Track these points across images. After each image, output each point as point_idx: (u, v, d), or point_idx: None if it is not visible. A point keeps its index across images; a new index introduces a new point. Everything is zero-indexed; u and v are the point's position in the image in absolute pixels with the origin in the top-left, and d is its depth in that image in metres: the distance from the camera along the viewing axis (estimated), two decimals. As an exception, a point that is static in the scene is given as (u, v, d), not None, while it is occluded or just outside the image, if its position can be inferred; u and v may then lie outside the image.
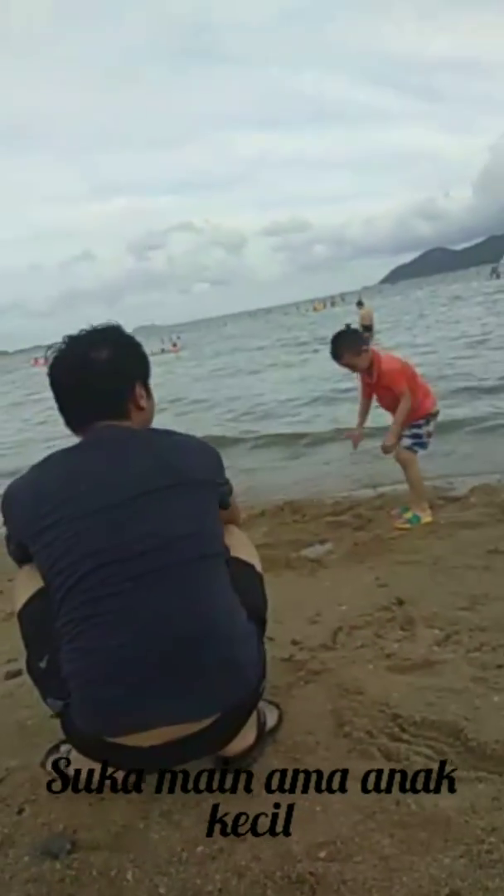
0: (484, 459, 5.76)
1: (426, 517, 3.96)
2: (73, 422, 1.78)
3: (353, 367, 4.00)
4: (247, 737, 1.73)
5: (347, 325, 21.80)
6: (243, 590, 1.75)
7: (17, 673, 2.56)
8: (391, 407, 3.97)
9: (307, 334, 30.83)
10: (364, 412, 4.22)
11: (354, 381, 4.44)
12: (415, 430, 3.96)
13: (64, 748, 1.78)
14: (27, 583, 1.71)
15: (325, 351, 4.10)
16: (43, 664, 1.63)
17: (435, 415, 4.05)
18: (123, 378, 1.78)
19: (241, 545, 1.91)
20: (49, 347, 1.82)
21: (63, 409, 1.78)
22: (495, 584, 2.86)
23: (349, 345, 3.93)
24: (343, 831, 1.47)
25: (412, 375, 3.97)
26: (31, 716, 2.13)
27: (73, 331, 1.81)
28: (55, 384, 1.77)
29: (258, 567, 1.90)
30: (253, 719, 1.77)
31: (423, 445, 3.99)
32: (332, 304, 78.05)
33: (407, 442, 3.94)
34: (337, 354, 3.94)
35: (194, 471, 1.69)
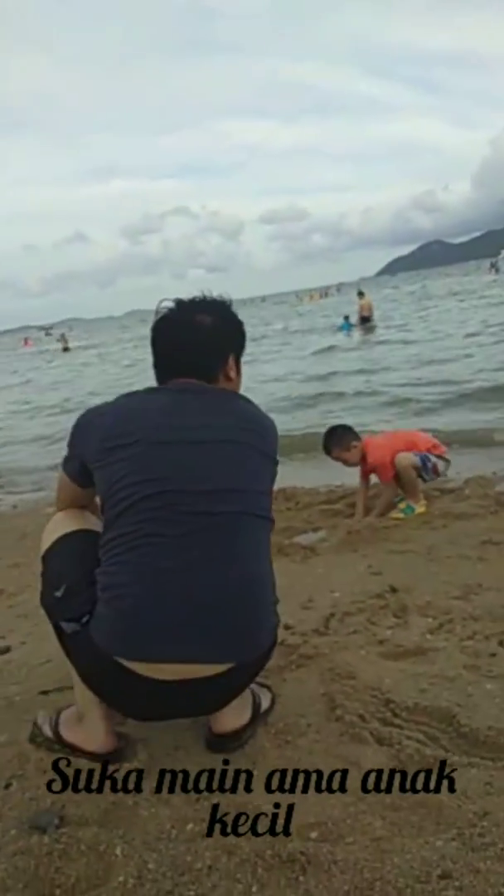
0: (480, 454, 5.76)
1: (420, 507, 3.96)
2: (163, 378, 1.84)
3: (344, 462, 4.18)
4: (242, 715, 1.74)
5: (346, 317, 21.68)
6: None
7: (6, 650, 2.55)
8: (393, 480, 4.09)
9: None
10: (364, 494, 4.26)
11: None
12: (427, 456, 4.08)
13: (43, 720, 1.80)
14: (63, 523, 1.80)
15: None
16: (59, 593, 1.66)
17: (447, 460, 4.20)
18: (221, 345, 1.86)
19: None
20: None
21: (158, 366, 1.86)
22: (488, 575, 2.86)
23: (338, 441, 4.16)
24: (335, 813, 1.46)
25: (407, 446, 4.10)
26: (20, 692, 2.12)
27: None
28: (156, 340, 1.85)
29: None
30: (248, 699, 1.77)
31: (426, 470, 4.05)
32: (326, 294, 77.68)
33: (415, 458, 4.02)
34: (327, 450, 4.20)
35: (265, 441, 1.75)
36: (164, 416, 1.68)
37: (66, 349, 38.95)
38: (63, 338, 43.87)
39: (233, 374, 1.87)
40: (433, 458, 4.08)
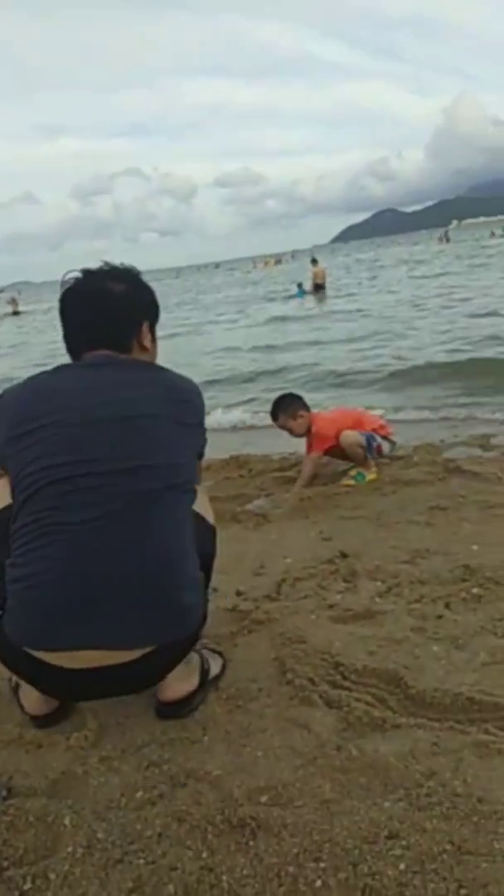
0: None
1: (371, 474, 3.99)
2: (75, 349, 1.81)
3: (289, 430, 4.13)
4: (190, 681, 1.73)
5: (299, 284, 21.66)
6: (196, 538, 1.72)
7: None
8: (339, 455, 4.09)
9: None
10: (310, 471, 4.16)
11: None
12: (372, 435, 4.06)
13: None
14: None
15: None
16: None
17: (392, 442, 4.22)
18: (134, 313, 1.83)
19: (198, 498, 1.86)
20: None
21: (69, 338, 1.82)
22: (435, 539, 2.91)
23: (285, 408, 4.12)
24: (285, 776, 1.47)
25: (354, 423, 4.08)
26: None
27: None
28: (66, 310, 1.81)
29: (210, 520, 1.86)
30: (196, 665, 1.77)
31: (370, 449, 4.02)
32: (280, 261, 77.12)
33: (360, 437, 3.98)
34: (274, 415, 4.16)
35: (186, 409, 1.71)
36: (74, 396, 1.63)
37: (15, 312, 38.08)
38: (13, 301, 42.84)
39: (147, 343, 1.84)
40: (378, 439, 4.08)
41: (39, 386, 1.70)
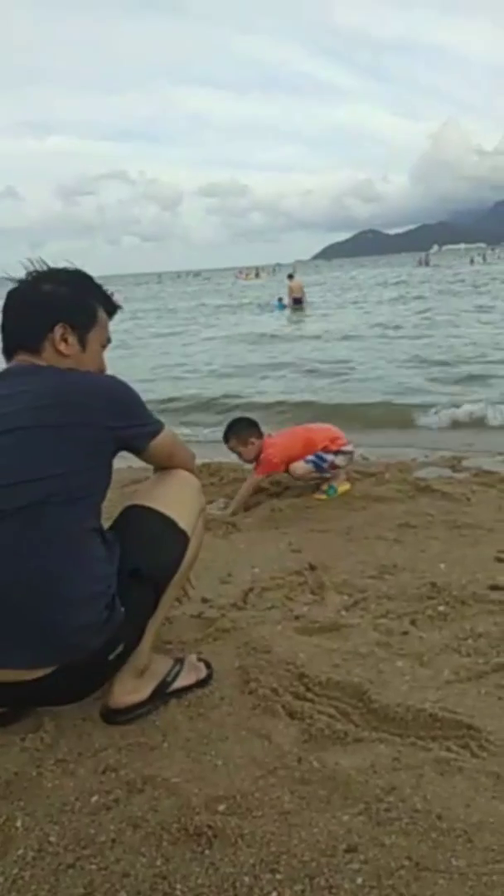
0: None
1: (343, 486, 4.00)
2: (5, 351, 1.75)
3: (238, 455, 4.05)
4: (138, 692, 1.70)
5: (280, 298, 21.93)
6: (141, 545, 1.67)
7: None
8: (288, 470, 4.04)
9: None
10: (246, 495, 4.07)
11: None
12: (321, 456, 3.97)
13: None
14: None
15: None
16: None
17: (347, 453, 4.08)
18: (47, 312, 1.72)
19: (173, 496, 1.79)
20: None
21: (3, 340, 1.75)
22: (403, 556, 2.92)
23: (237, 432, 4.02)
24: (244, 786, 1.45)
25: (305, 446, 3.99)
26: None
27: None
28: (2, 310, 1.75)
29: (183, 524, 1.76)
30: (153, 675, 1.74)
31: (322, 470, 3.99)
32: (257, 275, 77.46)
33: (308, 466, 3.96)
34: (225, 438, 4.07)
35: (62, 412, 1.58)
36: None
37: None
38: None
39: (63, 347, 1.71)
40: (329, 457, 3.98)
41: None
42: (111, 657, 1.60)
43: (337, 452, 4.04)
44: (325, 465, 3.97)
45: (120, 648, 1.62)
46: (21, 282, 1.77)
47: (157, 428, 1.76)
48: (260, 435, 4.05)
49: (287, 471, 4.00)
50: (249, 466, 4.58)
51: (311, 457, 3.96)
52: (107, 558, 1.59)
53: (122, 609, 1.59)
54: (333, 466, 4.01)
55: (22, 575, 1.47)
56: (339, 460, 4.05)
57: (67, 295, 1.75)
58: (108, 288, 1.88)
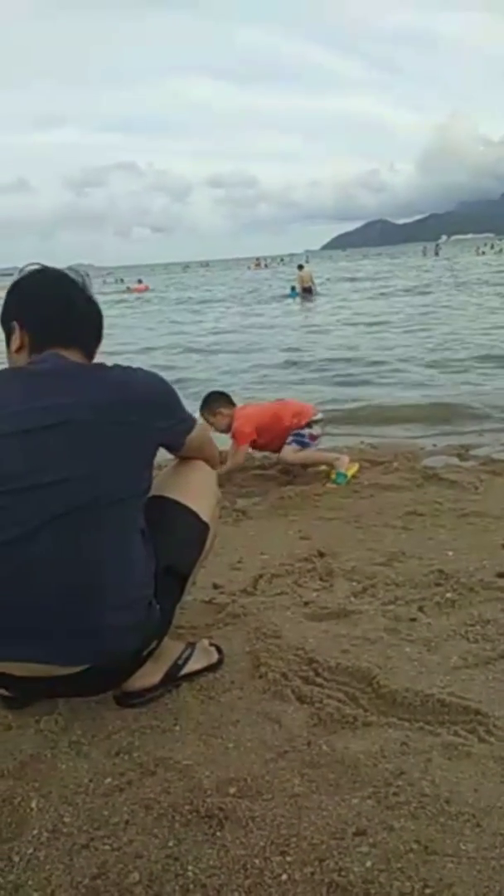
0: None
1: (352, 468, 4.05)
2: (40, 342, 1.68)
3: (211, 425, 4.15)
4: (150, 677, 1.72)
5: (293, 287, 22.34)
6: (169, 539, 1.70)
7: None
8: (270, 446, 4.26)
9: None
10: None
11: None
12: (298, 433, 4.17)
13: None
14: None
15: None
16: None
17: (316, 420, 4.27)
18: (100, 326, 1.79)
19: (194, 489, 1.83)
20: None
21: (39, 331, 1.69)
22: (411, 544, 2.93)
23: (208, 404, 4.20)
24: (254, 769, 1.47)
25: (273, 419, 4.20)
26: None
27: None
28: (30, 306, 1.71)
29: (204, 515, 1.80)
30: (166, 660, 1.76)
31: (306, 444, 4.17)
32: (266, 265, 77.43)
33: (292, 445, 4.14)
34: (200, 408, 4.19)
35: (120, 411, 1.58)
36: (12, 402, 1.55)
37: None
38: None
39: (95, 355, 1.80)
40: (305, 431, 4.17)
41: None
42: (145, 653, 1.65)
43: (308, 425, 4.21)
44: (306, 440, 4.16)
45: (154, 645, 1.66)
46: (66, 281, 1.75)
47: (192, 423, 1.80)
48: (230, 405, 4.23)
49: (279, 458, 4.17)
50: (259, 455, 4.59)
51: (290, 439, 4.14)
52: (147, 558, 1.62)
53: (158, 606, 1.62)
54: (313, 437, 4.20)
55: (74, 577, 1.48)
56: (315, 430, 4.24)
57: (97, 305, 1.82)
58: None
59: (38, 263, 1.77)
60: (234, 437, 4.13)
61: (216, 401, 4.23)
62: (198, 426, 1.82)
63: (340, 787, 1.42)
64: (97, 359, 1.79)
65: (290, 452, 4.13)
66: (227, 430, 4.17)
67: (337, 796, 1.39)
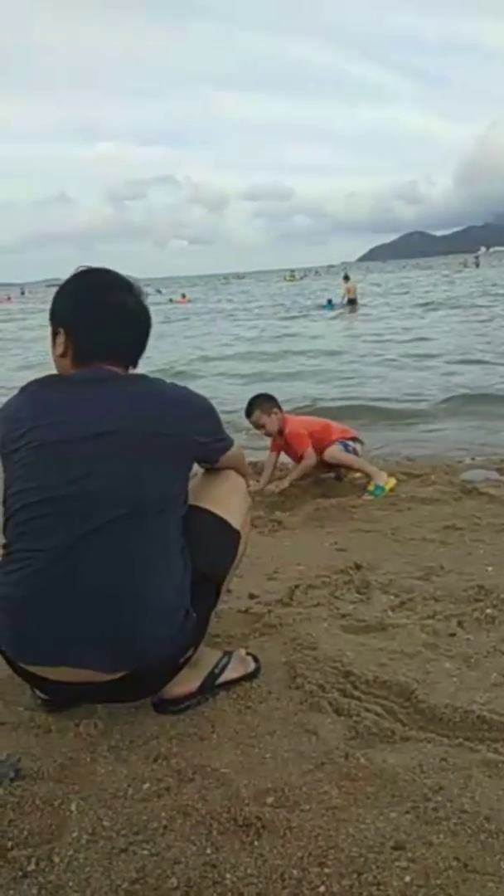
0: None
1: (389, 483, 4.03)
2: (82, 356, 1.68)
3: (261, 427, 4.28)
4: (187, 684, 1.73)
5: (329, 300, 22.48)
6: (202, 547, 1.71)
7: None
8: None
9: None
10: (272, 466, 4.44)
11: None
12: (343, 441, 4.30)
13: None
14: None
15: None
16: None
17: (359, 440, 4.42)
18: (147, 329, 1.78)
19: (224, 497, 1.85)
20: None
21: (74, 339, 1.69)
22: (449, 558, 2.90)
23: (260, 404, 4.27)
24: (292, 779, 1.47)
25: (323, 429, 4.34)
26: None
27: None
28: (73, 311, 1.70)
29: (236, 523, 1.83)
30: (203, 667, 1.77)
31: (350, 452, 4.29)
32: (301, 277, 77.62)
33: (339, 446, 4.25)
34: (249, 411, 4.29)
35: (163, 422, 1.61)
36: (56, 412, 1.59)
37: None
38: None
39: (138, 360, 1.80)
40: (350, 444, 4.28)
41: (28, 400, 1.66)
42: (182, 660, 1.67)
43: (353, 440, 4.35)
44: (350, 449, 4.26)
45: (191, 652, 1.69)
46: (110, 290, 1.72)
47: (230, 443, 1.85)
48: (280, 408, 4.32)
49: (323, 458, 4.21)
50: (294, 466, 4.61)
51: (336, 443, 4.24)
52: (185, 568, 1.65)
53: (195, 615, 1.65)
54: (355, 452, 4.30)
55: (115, 585, 1.53)
56: (359, 448, 4.37)
57: (148, 309, 1.79)
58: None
59: (85, 266, 1.77)
60: (292, 442, 4.22)
61: (269, 400, 4.30)
62: (235, 447, 1.88)
63: (378, 800, 1.41)
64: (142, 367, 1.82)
65: (336, 451, 4.19)
66: (275, 433, 4.25)
67: (375, 810, 1.38)
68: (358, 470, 4.22)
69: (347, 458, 4.19)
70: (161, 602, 1.57)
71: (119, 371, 1.70)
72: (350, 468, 4.25)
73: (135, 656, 1.56)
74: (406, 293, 31.81)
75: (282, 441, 4.31)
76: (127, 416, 1.59)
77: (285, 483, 4.18)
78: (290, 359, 12.25)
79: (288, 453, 4.41)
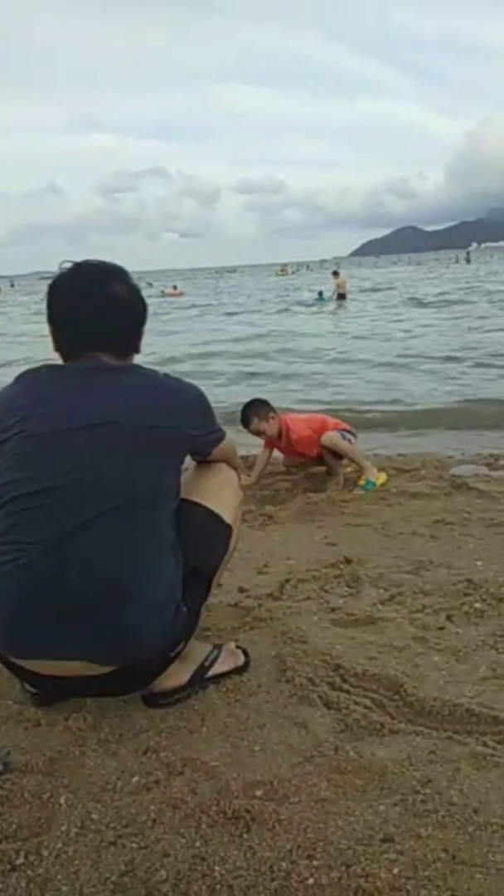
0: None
1: (380, 479, 4.02)
2: (70, 348, 1.69)
3: (261, 433, 4.22)
4: (177, 677, 1.72)
5: (320, 292, 22.64)
6: (193, 541, 1.71)
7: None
8: (300, 462, 4.39)
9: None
10: (264, 462, 4.39)
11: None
12: (341, 431, 4.26)
13: None
14: None
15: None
16: None
17: (353, 433, 4.37)
18: (140, 317, 1.76)
19: (216, 491, 1.85)
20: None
21: (64, 335, 1.70)
22: (439, 552, 2.91)
23: (257, 411, 4.18)
24: (281, 772, 1.47)
25: (321, 424, 4.28)
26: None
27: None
28: (62, 305, 1.69)
29: (227, 517, 1.83)
30: (193, 661, 1.76)
31: (345, 440, 4.23)
32: (294, 271, 77.58)
33: (336, 433, 4.19)
34: (246, 421, 4.18)
35: (155, 415, 1.61)
36: (49, 403, 1.59)
37: None
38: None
39: (140, 348, 1.78)
40: (347, 434, 4.25)
41: (23, 390, 1.65)
42: (172, 654, 1.66)
43: (349, 433, 4.31)
44: (347, 437, 4.21)
45: (181, 646, 1.68)
46: (91, 279, 1.70)
47: (222, 435, 1.85)
48: (274, 410, 4.26)
49: (321, 443, 4.16)
50: (286, 460, 4.60)
51: (337, 432, 4.20)
52: (176, 562, 1.65)
53: (185, 609, 1.64)
54: (350, 442, 4.25)
55: (107, 578, 1.52)
56: (353, 440, 4.32)
57: (141, 295, 1.77)
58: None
59: (70, 261, 1.73)
60: (298, 445, 4.20)
61: (264, 406, 4.24)
62: (227, 439, 1.87)
63: (367, 793, 1.41)
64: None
65: (335, 436, 4.15)
66: (276, 436, 4.21)
67: (364, 802, 1.38)
68: (352, 460, 4.17)
69: (344, 446, 4.14)
70: (152, 596, 1.56)
71: (113, 361, 1.69)
72: (345, 456, 4.19)
73: (126, 651, 1.55)
74: (394, 289, 31.87)
75: (282, 443, 4.25)
76: (119, 409, 1.58)
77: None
78: (278, 358, 12.18)
79: (288, 453, 4.38)
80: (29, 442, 1.56)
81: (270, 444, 4.33)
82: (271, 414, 4.20)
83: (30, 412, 1.58)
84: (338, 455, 4.20)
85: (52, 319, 1.70)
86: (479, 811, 1.35)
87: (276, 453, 4.44)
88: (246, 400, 4.34)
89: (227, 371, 10.81)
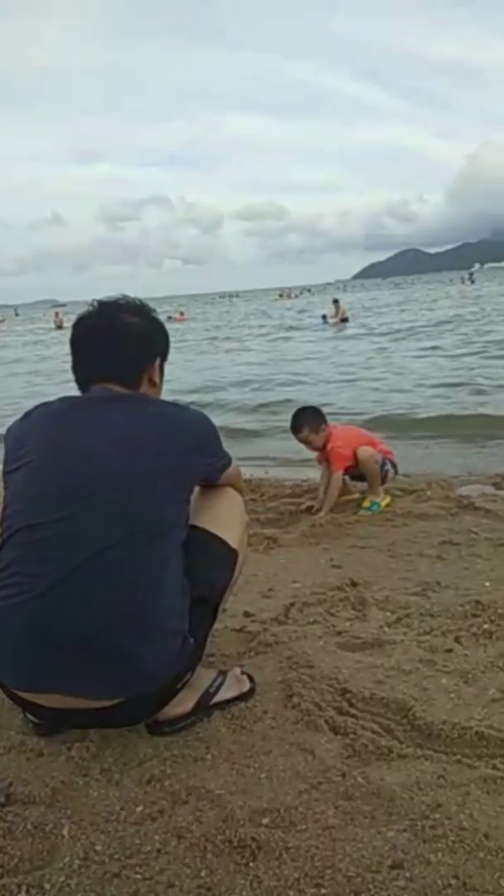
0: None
1: (384, 501, 4.00)
2: (83, 380, 1.78)
3: (308, 443, 4.09)
4: (182, 705, 1.70)
5: (323, 316, 22.92)
6: (199, 567, 1.70)
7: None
8: (348, 473, 4.12)
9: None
10: (335, 493, 4.08)
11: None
12: (385, 459, 4.08)
13: None
14: None
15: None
16: None
17: (395, 471, 4.19)
18: (149, 348, 1.81)
19: (220, 516, 1.84)
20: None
21: (77, 366, 1.80)
22: (446, 573, 2.88)
23: (309, 421, 4.04)
24: (288, 799, 1.45)
25: (371, 442, 4.11)
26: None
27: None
28: (77, 340, 1.79)
29: (233, 542, 1.82)
30: (197, 688, 1.74)
31: (382, 466, 4.06)
32: (296, 295, 78.20)
33: (377, 454, 4.02)
34: (297, 428, 4.06)
35: (163, 446, 1.63)
36: (57, 434, 1.62)
37: (59, 327, 37.96)
38: (57, 315, 43.63)
39: (157, 378, 1.82)
40: (388, 465, 4.09)
41: (33, 422, 1.69)
42: (178, 686, 1.65)
43: (392, 464, 4.13)
44: (385, 468, 4.03)
45: (188, 677, 1.67)
46: (100, 314, 1.79)
47: (229, 460, 1.86)
48: (326, 421, 4.11)
49: (356, 452, 3.97)
50: (291, 483, 4.59)
51: (377, 454, 4.02)
52: (183, 592, 1.64)
53: (192, 640, 1.64)
54: (386, 477, 4.07)
55: (115, 611, 1.51)
56: (391, 474, 4.13)
57: (160, 330, 1.85)
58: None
59: (92, 304, 1.83)
60: (332, 459, 4.00)
61: (318, 416, 4.08)
62: (234, 464, 1.89)
63: (376, 819, 1.39)
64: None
65: (371, 453, 3.96)
66: (320, 448, 4.07)
67: (372, 829, 1.36)
68: (370, 483, 4.01)
69: (372, 468, 3.94)
70: (159, 628, 1.56)
71: (122, 390, 1.73)
72: (367, 477, 4.00)
73: (132, 684, 1.54)
74: (401, 311, 32.02)
75: (323, 454, 4.11)
76: (126, 441, 1.60)
77: (326, 511, 3.93)
78: (283, 384, 12.16)
79: (322, 459, 4.18)
80: (37, 472, 1.58)
81: (338, 464, 4.02)
82: (322, 426, 4.04)
83: (38, 443, 1.62)
84: (360, 476, 4.06)
85: (71, 351, 1.80)
86: (489, 836, 1.32)
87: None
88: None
89: (236, 399, 10.83)
